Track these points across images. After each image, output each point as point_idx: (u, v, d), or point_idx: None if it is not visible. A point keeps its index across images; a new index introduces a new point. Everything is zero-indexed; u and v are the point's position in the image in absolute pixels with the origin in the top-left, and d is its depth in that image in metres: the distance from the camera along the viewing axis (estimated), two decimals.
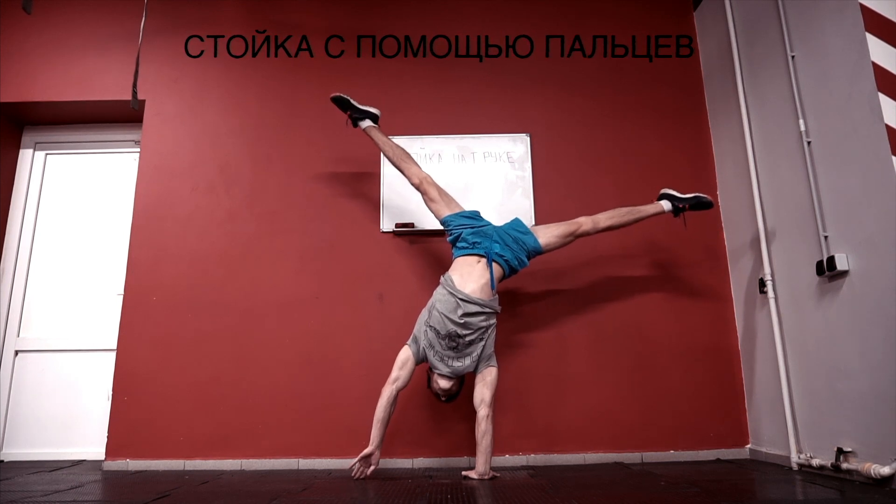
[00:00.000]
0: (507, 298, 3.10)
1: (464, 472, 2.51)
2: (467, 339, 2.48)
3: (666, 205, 2.86)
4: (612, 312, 3.10)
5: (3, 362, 3.33)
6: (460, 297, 2.48)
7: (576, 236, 2.74)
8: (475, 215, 2.73)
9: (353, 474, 2.47)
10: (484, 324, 2.51)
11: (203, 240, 3.20)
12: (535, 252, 2.68)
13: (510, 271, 2.65)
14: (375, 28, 3.52)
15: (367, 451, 2.45)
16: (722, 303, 3.14)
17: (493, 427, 2.49)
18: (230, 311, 3.10)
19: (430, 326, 2.50)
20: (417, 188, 2.79)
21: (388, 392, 2.48)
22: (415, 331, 2.56)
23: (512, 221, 2.75)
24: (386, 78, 3.43)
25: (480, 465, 2.44)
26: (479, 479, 2.41)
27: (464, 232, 2.65)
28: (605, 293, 3.13)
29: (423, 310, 2.59)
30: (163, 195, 3.27)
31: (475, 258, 2.59)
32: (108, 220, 3.50)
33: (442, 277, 2.59)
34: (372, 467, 2.48)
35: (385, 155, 2.93)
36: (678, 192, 2.88)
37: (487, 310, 2.51)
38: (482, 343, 2.51)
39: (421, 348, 2.52)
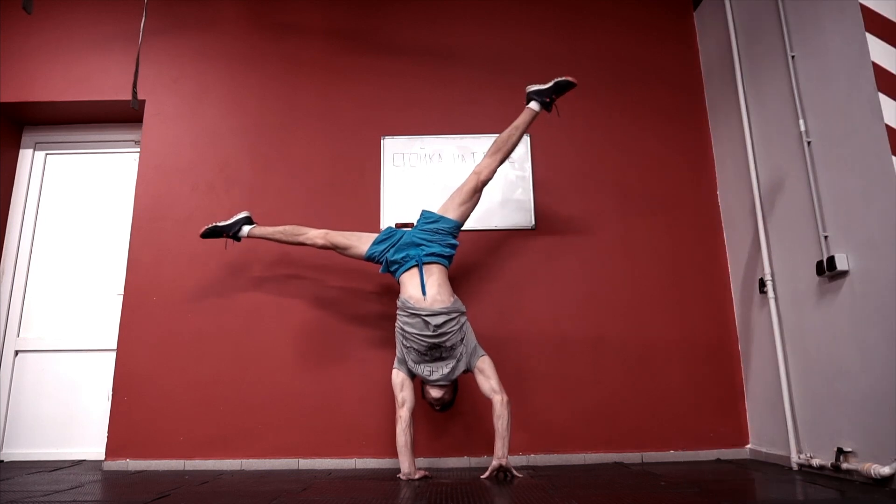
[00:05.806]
0: (507, 299, 3.10)
1: (482, 476, 2.46)
2: (448, 344, 2.49)
3: (535, 106, 2.76)
4: (612, 312, 3.10)
5: (3, 362, 3.33)
6: (425, 314, 2.49)
7: (479, 190, 2.71)
8: (388, 234, 2.71)
9: None
10: (457, 326, 2.52)
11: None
12: (456, 228, 2.70)
13: (449, 260, 2.66)
14: (375, 28, 3.52)
15: (403, 477, 2.45)
16: (722, 303, 3.14)
17: (510, 412, 2.46)
18: (230, 311, 3.10)
19: (409, 349, 2.52)
20: (325, 248, 2.79)
21: (403, 416, 2.48)
22: (397, 354, 2.57)
23: (420, 217, 2.74)
24: (386, 78, 3.43)
25: (499, 450, 2.43)
26: (497, 471, 2.41)
27: (388, 254, 2.66)
28: (605, 293, 3.13)
29: (396, 334, 2.57)
30: (163, 195, 3.27)
31: (413, 270, 2.60)
32: (108, 220, 3.50)
33: (398, 302, 2.59)
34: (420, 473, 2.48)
35: (278, 241, 2.91)
36: (540, 84, 2.77)
37: (454, 314, 2.53)
38: (463, 341, 2.53)
39: (408, 369, 2.54)
